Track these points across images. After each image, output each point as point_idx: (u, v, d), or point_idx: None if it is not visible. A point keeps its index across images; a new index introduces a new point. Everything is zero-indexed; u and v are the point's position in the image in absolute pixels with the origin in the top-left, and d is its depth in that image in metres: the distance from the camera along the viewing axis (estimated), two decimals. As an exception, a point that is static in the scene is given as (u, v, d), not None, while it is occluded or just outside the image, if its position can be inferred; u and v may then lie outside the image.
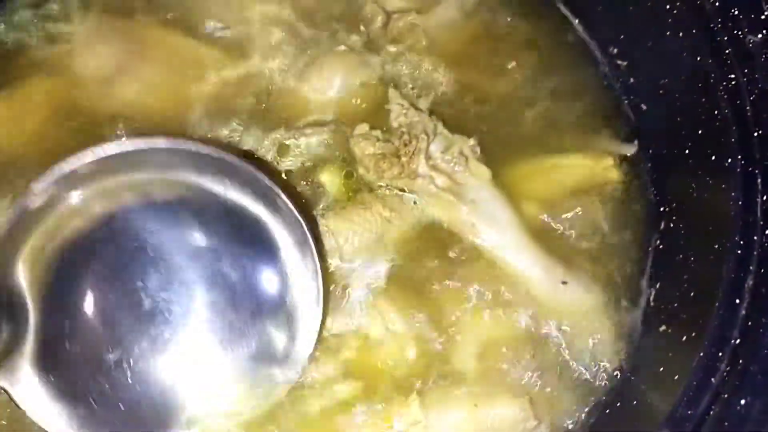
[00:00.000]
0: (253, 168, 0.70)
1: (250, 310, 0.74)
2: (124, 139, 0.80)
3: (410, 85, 0.87)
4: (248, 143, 0.83)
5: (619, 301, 0.79)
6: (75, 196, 0.69)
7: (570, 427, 0.75)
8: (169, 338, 0.73)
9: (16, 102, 0.85)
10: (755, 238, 0.63)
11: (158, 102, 0.85)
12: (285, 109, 0.85)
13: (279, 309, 0.74)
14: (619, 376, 0.76)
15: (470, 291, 0.78)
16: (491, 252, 0.79)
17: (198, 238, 0.74)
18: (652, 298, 0.79)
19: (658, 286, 0.79)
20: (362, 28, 0.90)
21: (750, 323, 0.61)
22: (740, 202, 0.65)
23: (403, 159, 0.79)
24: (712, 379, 0.61)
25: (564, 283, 0.78)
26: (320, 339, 0.75)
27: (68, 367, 0.71)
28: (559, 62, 0.89)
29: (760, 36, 0.67)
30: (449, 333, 0.77)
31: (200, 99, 0.85)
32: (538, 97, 0.87)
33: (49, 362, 0.70)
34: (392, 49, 0.88)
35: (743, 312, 0.62)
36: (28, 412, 0.69)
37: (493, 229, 0.79)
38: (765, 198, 0.64)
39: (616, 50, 0.88)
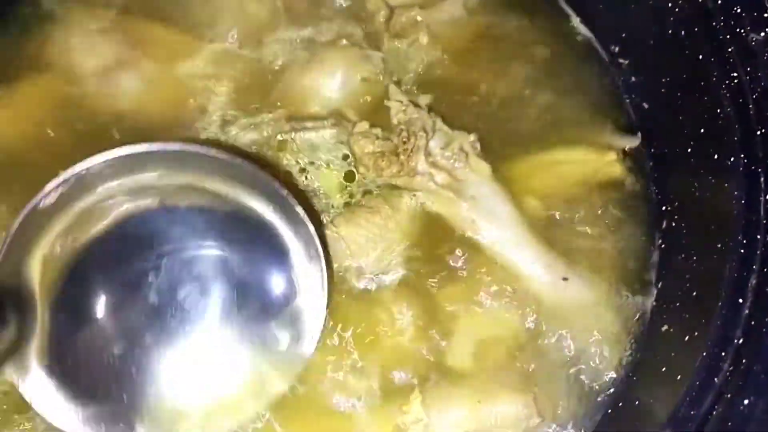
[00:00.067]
0: (262, 172, 0.71)
1: (256, 309, 0.75)
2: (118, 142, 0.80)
3: (412, 81, 0.87)
4: (247, 138, 0.83)
5: (620, 300, 0.79)
6: (87, 196, 0.70)
7: (572, 427, 0.75)
8: (176, 336, 0.74)
9: (14, 101, 0.85)
10: (758, 237, 0.63)
11: (156, 99, 0.85)
12: (285, 104, 0.85)
13: (285, 308, 0.75)
14: (620, 376, 0.76)
15: (472, 287, 0.77)
16: (492, 248, 0.78)
17: (207, 238, 0.75)
18: (654, 298, 0.78)
19: (660, 285, 0.79)
20: (364, 22, 0.90)
21: (753, 323, 0.61)
22: (743, 201, 0.65)
23: (402, 157, 0.79)
24: (715, 379, 0.60)
25: (565, 279, 0.78)
26: (323, 337, 0.75)
27: (76, 363, 0.71)
28: (561, 59, 0.89)
29: (762, 34, 0.67)
30: (451, 330, 0.76)
31: (200, 96, 0.85)
32: (540, 93, 0.87)
33: (57, 358, 0.71)
34: (394, 44, 0.88)
35: (746, 311, 0.61)
36: (35, 405, 0.70)
37: (494, 225, 0.79)
38: (768, 197, 0.64)
39: (617, 49, 0.88)
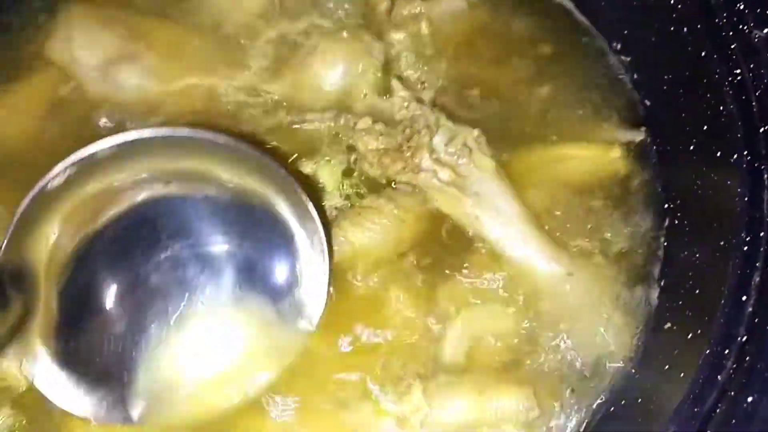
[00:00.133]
0: (270, 159, 0.71)
1: (260, 292, 0.76)
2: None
3: (414, 75, 0.86)
4: (247, 130, 0.83)
5: (623, 297, 0.78)
6: (94, 181, 0.70)
7: (574, 424, 0.75)
8: (180, 318, 0.75)
9: (14, 100, 0.85)
10: (762, 234, 0.63)
11: (158, 92, 0.85)
12: (286, 96, 0.85)
13: (288, 293, 0.76)
14: (623, 373, 0.76)
15: (475, 283, 0.78)
16: (496, 244, 0.78)
17: (213, 224, 0.76)
18: (657, 295, 0.78)
19: (663, 282, 0.79)
20: (366, 14, 0.90)
21: (757, 320, 0.61)
22: (746, 198, 0.65)
23: (406, 154, 0.79)
24: (719, 377, 0.60)
25: (570, 275, 0.78)
26: (324, 325, 0.75)
27: (80, 344, 0.72)
28: (563, 54, 0.89)
29: (765, 31, 0.67)
30: (454, 324, 0.76)
31: (199, 88, 0.85)
32: (543, 88, 0.87)
33: (62, 339, 0.72)
34: (396, 36, 0.88)
35: (750, 309, 0.61)
36: (39, 386, 0.70)
37: (498, 221, 0.78)
38: (772, 194, 0.64)
39: (619, 45, 0.88)
